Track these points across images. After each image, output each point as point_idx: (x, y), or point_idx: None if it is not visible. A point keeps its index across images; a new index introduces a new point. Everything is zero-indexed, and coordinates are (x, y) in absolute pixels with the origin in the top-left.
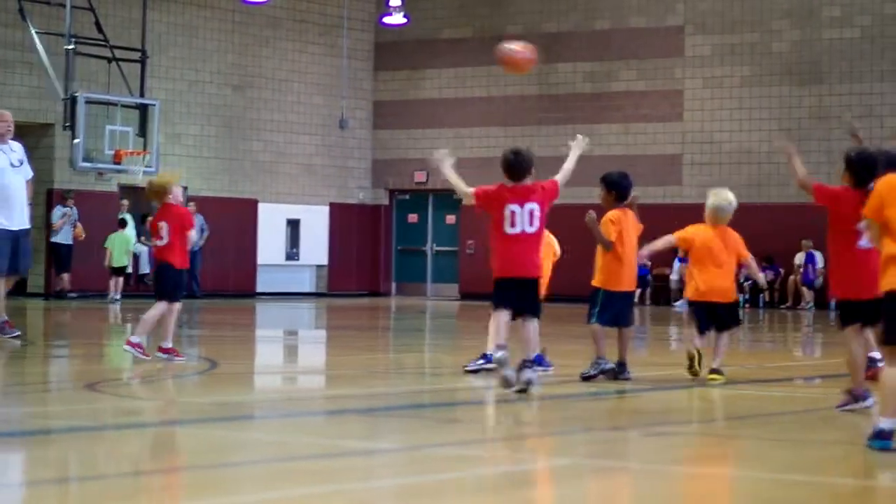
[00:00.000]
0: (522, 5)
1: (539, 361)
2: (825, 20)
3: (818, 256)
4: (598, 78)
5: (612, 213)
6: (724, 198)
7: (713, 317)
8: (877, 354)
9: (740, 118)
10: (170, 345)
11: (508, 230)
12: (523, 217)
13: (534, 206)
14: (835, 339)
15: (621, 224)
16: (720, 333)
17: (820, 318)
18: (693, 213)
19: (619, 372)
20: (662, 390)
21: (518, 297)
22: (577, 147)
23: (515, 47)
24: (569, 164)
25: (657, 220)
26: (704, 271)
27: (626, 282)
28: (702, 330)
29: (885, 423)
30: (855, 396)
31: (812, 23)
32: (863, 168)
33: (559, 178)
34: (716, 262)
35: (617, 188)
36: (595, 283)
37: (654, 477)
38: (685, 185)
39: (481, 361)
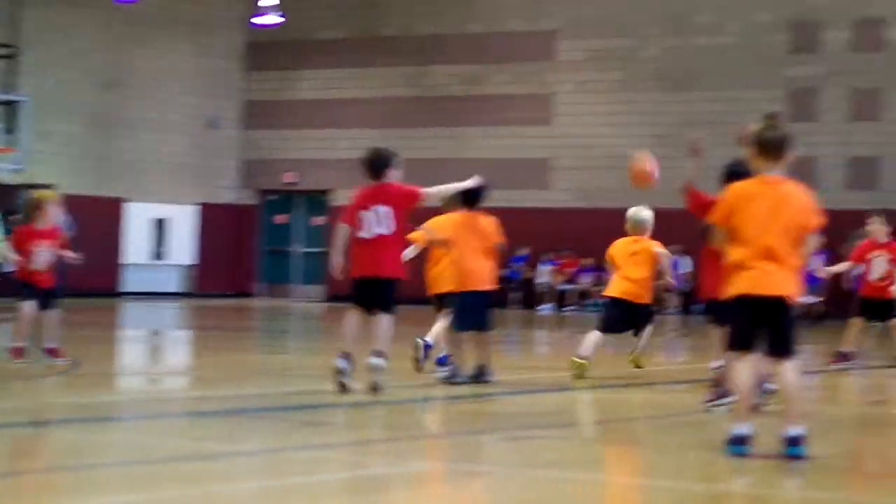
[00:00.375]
0: (397, 7)
1: (441, 362)
2: (697, 27)
3: (681, 261)
4: (471, 80)
5: (453, 214)
6: (636, 211)
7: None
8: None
9: (610, 123)
10: (54, 345)
11: (359, 234)
12: (372, 221)
13: (386, 208)
14: (700, 343)
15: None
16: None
17: (686, 321)
18: (560, 217)
19: (478, 375)
20: (525, 394)
21: (369, 295)
22: (468, 183)
23: (647, 166)
24: (445, 188)
25: (525, 222)
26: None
27: (472, 282)
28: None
29: (740, 429)
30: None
31: (684, 29)
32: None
33: (427, 190)
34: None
35: (465, 193)
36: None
37: (512, 480)
38: (553, 188)
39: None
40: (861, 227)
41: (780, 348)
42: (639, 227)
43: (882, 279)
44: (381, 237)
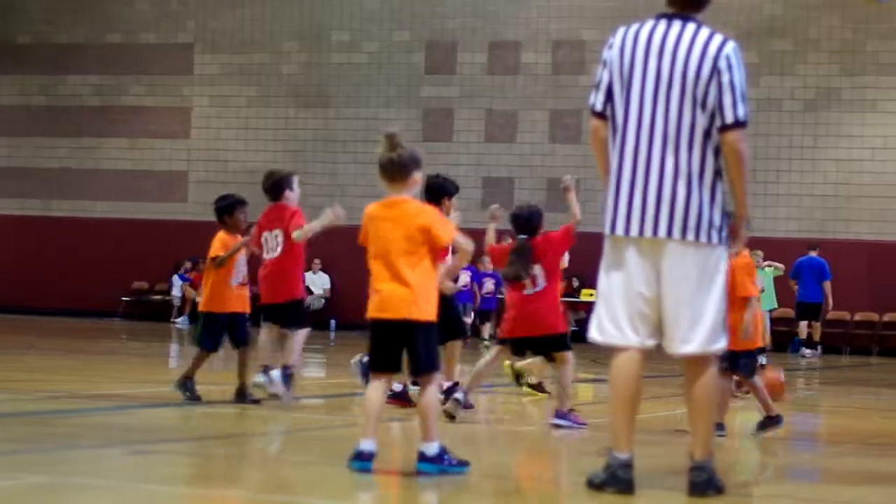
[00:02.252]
0: (33, 14)
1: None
2: (334, 44)
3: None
4: (107, 91)
5: (221, 235)
6: None
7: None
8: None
9: (246, 138)
10: None
11: (263, 256)
12: (270, 243)
13: (277, 231)
14: (333, 359)
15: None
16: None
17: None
18: (196, 230)
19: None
20: (151, 408)
21: (276, 315)
22: (324, 219)
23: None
24: (314, 225)
25: (163, 235)
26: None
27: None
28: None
29: (364, 445)
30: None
31: (321, 46)
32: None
33: (299, 231)
34: None
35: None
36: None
37: (131, 495)
38: (190, 201)
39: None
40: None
41: (416, 368)
42: None
43: None
44: (278, 259)
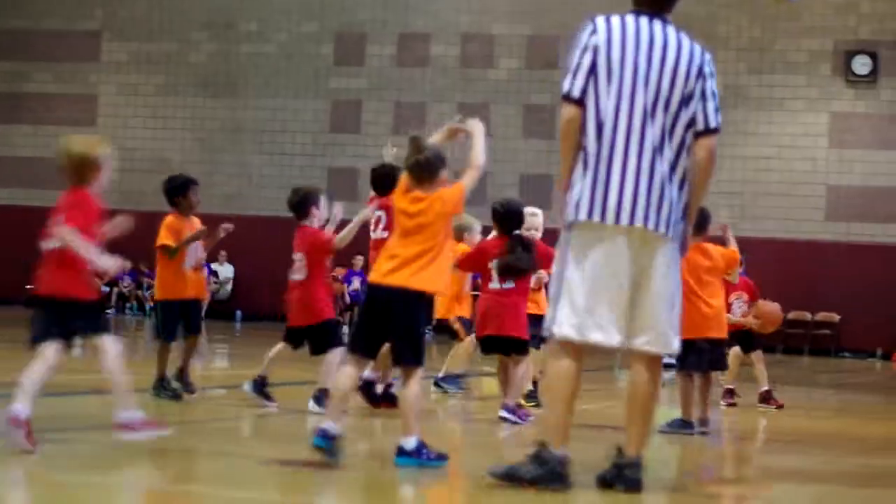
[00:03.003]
0: None
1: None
2: (242, 34)
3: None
4: (11, 78)
5: (170, 219)
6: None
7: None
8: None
9: (154, 127)
10: None
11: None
12: (295, 265)
13: (300, 254)
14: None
15: (183, 231)
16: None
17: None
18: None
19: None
20: (64, 396)
21: (304, 338)
22: (359, 218)
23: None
24: (351, 227)
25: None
26: None
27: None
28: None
29: (330, 425)
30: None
31: (230, 36)
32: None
33: (340, 237)
34: None
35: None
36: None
37: (30, 485)
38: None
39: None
40: None
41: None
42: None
43: None
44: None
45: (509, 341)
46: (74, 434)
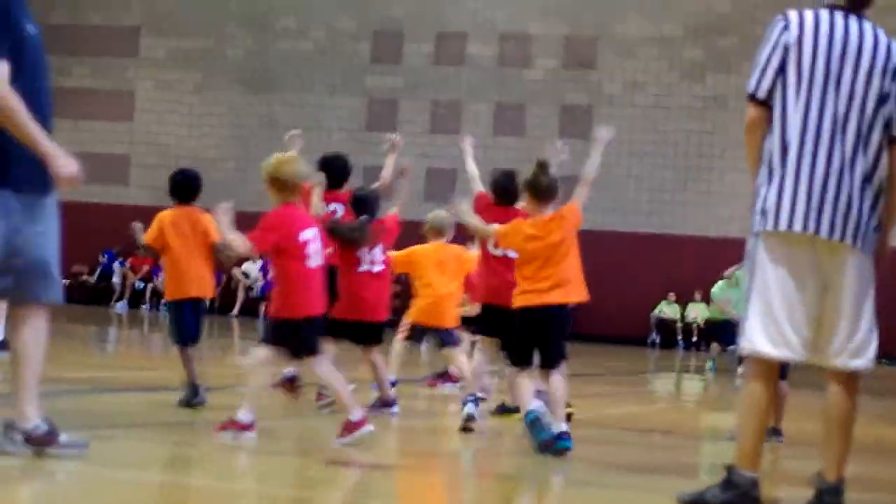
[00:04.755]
0: None
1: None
2: (279, 30)
3: None
4: (52, 73)
5: (165, 213)
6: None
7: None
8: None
9: (190, 123)
10: None
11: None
12: (365, 257)
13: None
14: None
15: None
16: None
17: None
18: (139, 214)
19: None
20: (111, 392)
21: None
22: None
23: None
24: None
25: (103, 219)
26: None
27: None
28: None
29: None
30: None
31: (266, 32)
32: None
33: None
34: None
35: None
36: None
37: (84, 481)
38: (132, 185)
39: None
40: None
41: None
42: (443, 231)
43: None
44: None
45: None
46: (126, 431)
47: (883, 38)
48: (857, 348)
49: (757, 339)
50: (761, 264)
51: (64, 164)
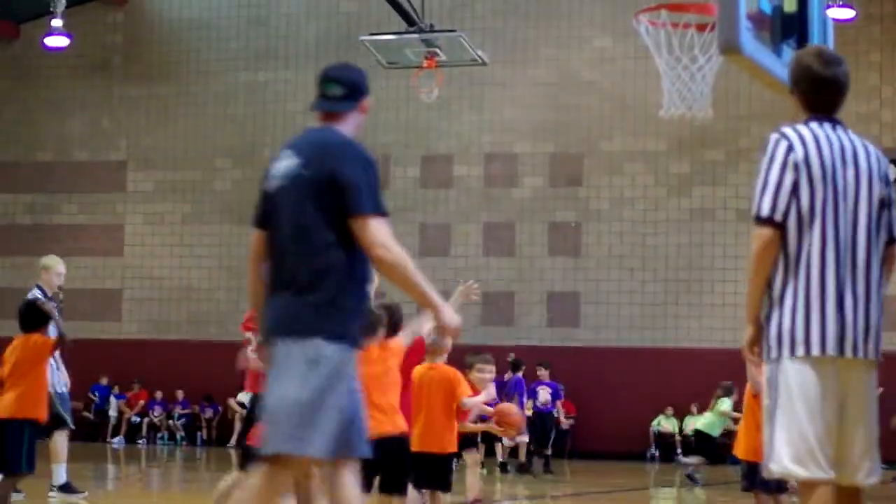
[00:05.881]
0: None
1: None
2: (267, 160)
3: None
4: (39, 210)
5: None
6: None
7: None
8: None
9: (181, 255)
10: None
11: None
12: None
13: None
14: None
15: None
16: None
17: None
18: (131, 349)
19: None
20: None
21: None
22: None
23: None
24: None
25: (97, 354)
26: None
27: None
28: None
29: None
30: None
31: (254, 162)
32: None
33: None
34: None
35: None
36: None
37: None
38: (124, 320)
39: None
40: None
41: None
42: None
43: None
44: None
45: None
46: None
47: (869, 146)
48: (874, 464)
49: (786, 462)
50: (785, 389)
51: (450, 315)
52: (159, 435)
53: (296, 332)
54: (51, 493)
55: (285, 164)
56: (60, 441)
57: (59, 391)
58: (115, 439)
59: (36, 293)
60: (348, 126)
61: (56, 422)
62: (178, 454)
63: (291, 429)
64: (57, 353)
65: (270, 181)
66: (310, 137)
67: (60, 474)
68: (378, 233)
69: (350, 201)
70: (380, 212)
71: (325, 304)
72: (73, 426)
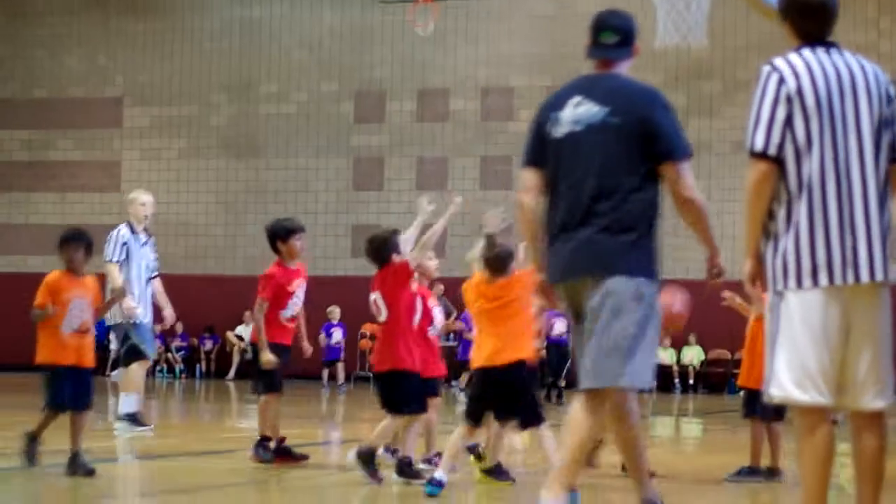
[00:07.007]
0: None
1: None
2: (262, 95)
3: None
4: (35, 146)
5: (51, 275)
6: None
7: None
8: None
9: (178, 190)
10: None
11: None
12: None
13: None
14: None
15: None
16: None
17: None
18: None
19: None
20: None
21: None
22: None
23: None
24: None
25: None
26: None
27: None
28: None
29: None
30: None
31: (249, 97)
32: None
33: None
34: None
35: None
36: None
37: None
38: None
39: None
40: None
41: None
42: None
43: None
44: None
45: None
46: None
47: (867, 65)
48: (882, 387)
49: (787, 386)
50: (787, 319)
51: (720, 260)
52: (158, 368)
53: (620, 270)
54: (116, 424)
55: (583, 109)
56: (137, 372)
57: (139, 322)
58: (114, 373)
59: (123, 229)
60: (623, 70)
61: (134, 353)
62: (177, 386)
63: (620, 363)
64: (155, 284)
65: (559, 125)
66: (606, 84)
67: (130, 403)
68: (690, 177)
69: (665, 147)
70: (690, 155)
71: (640, 245)
72: (152, 358)
